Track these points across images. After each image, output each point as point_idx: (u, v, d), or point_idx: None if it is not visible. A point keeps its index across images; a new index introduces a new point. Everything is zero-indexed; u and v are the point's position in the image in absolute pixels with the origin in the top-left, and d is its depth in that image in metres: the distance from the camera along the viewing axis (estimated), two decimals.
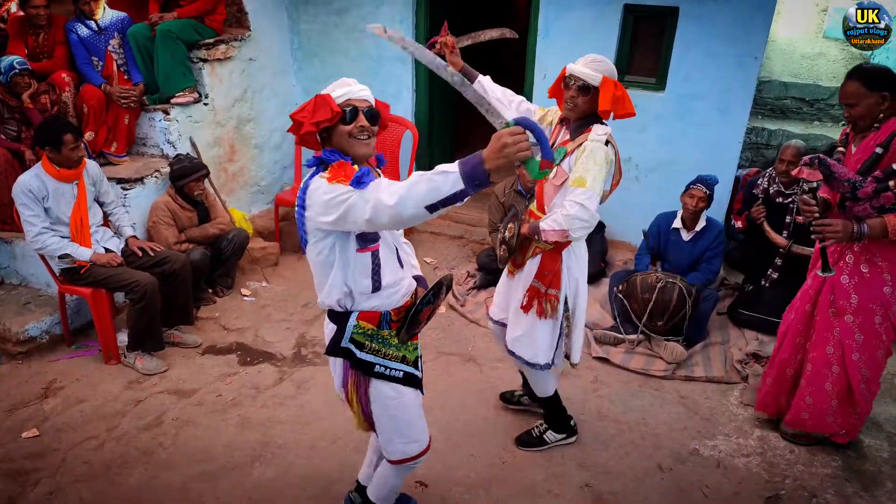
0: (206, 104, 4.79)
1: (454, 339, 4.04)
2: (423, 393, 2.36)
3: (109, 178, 4.01)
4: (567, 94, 2.58)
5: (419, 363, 2.34)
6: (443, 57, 2.48)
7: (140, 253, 3.77)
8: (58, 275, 3.69)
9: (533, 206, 2.82)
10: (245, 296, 4.54)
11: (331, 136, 2.01)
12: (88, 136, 4.33)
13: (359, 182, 1.79)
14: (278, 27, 5.39)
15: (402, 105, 5.39)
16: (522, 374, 3.22)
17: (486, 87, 2.78)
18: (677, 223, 4.17)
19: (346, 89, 2.02)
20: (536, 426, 3.19)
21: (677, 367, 3.75)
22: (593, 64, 2.56)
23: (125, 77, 4.53)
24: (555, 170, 2.59)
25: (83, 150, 3.56)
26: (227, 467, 3.00)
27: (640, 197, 4.83)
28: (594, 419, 3.36)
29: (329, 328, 2.18)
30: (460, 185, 1.59)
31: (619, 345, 3.93)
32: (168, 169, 4.40)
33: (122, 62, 4.53)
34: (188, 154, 4.59)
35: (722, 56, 4.39)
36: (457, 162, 1.61)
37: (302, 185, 1.95)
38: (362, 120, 2.01)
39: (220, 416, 3.33)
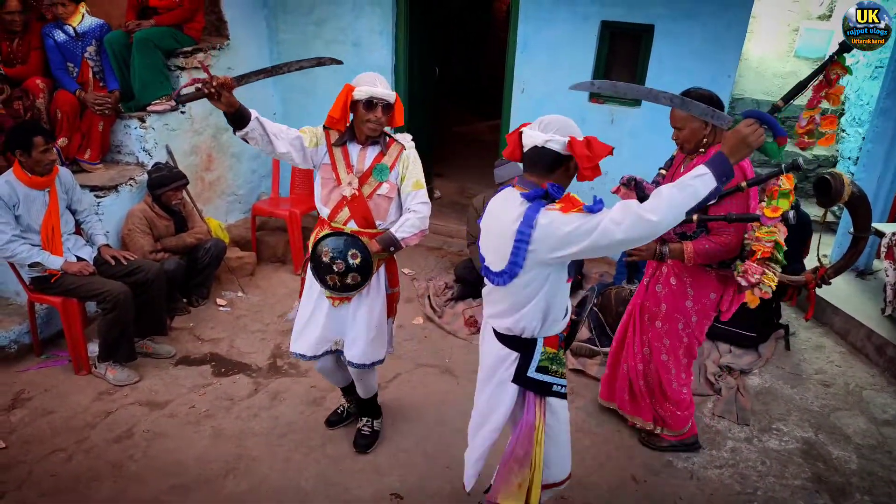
0: (183, 112, 4.76)
1: (431, 351, 4.04)
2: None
3: (83, 186, 3.96)
4: (372, 115, 2.64)
5: None
6: (213, 97, 2.40)
7: (113, 262, 3.72)
8: (28, 283, 3.63)
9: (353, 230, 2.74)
10: (220, 306, 4.49)
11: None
12: (62, 142, 4.27)
13: (592, 210, 1.90)
14: (257, 36, 5.38)
15: None
16: (346, 388, 3.27)
17: (263, 122, 2.61)
18: None
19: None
20: (365, 425, 3.23)
21: None
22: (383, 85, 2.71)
23: (100, 84, 4.48)
24: (385, 185, 2.72)
25: (55, 155, 3.50)
26: (199, 480, 2.95)
27: None
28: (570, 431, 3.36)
29: (499, 352, 2.22)
30: (713, 184, 1.82)
31: (594, 357, 3.96)
32: (144, 177, 4.36)
33: (98, 69, 4.48)
34: (167, 163, 4.55)
35: (696, 73, 4.48)
36: (702, 165, 1.86)
37: (523, 220, 1.96)
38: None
39: (192, 428, 3.28)
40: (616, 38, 4.69)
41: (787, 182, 2.39)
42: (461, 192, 6.39)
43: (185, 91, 2.52)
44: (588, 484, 3.01)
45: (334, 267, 2.62)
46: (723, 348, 4.14)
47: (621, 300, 3.89)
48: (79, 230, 3.83)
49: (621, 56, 4.76)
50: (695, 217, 2.65)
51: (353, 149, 2.74)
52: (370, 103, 2.61)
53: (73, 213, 3.79)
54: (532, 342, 2.17)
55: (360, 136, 2.71)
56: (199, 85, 2.44)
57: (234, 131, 2.57)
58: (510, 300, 2.11)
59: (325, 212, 2.78)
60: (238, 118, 2.52)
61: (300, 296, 2.96)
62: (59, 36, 4.34)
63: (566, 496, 2.94)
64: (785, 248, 2.52)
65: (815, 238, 4.17)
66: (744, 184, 2.60)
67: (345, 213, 2.73)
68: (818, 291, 3.20)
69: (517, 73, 4.92)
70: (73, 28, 4.35)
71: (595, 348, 3.96)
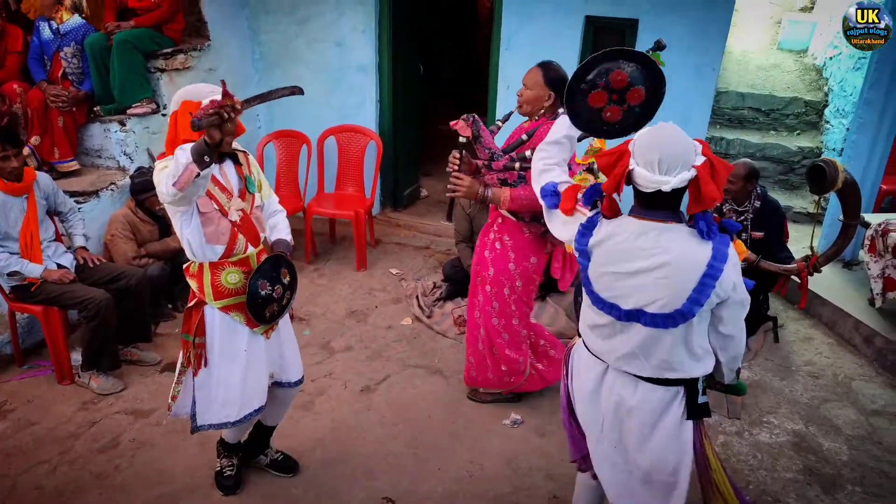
0: (164, 115, 4.69)
1: (420, 352, 4.01)
2: None
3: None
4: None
5: None
6: (227, 121, 1.99)
7: (82, 261, 3.66)
8: (7, 292, 3.55)
9: (253, 253, 2.50)
10: None
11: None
12: (34, 140, 4.22)
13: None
14: (238, 37, 5.32)
15: (366, 115, 5.35)
16: (257, 429, 2.94)
17: None
18: None
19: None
20: (273, 452, 3.01)
21: None
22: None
23: (72, 86, 4.41)
24: (257, 196, 2.52)
25: (18, 162, 3.38)
26: (186, 489, 2.91)
27: None
28: (561, 429, 3.32)
29: (655, 395, 1.98)
30: None
31: None
32: (125, 181, 4.29)
33: (73, 70, 4.41)
34: (150, 167, 4.48)
35: (681, 67, 4.47)
36: None
37: (715, 256, 1.80)
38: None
39: (179, 437, 3.23)
40: (600, 32, 4.67)
41: (599, 142, 2.54)
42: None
43: (206, 119, 2.00)
44: None
45: (274, 295, 2.46)
46: None
47: None
48: (59, 237, 3.76)
49: None
50: (517, 165, 2.86)
51: (214, 170, 2.37)
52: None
53: (58, 215, 3.72)
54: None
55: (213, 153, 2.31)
56: (216, 109, 2.03)
57: (202, 168, 2.01)
58: (670, 343, 1.90)
59: (217, 251, 2.38)
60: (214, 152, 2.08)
61: (199, 366, 2.47)
62: (45, 31, 4.32)
63: (559, 496, 2.92)
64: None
65: (809, 229, 4.16)
66: (524, 136, 2.82)
67: (241, 240, 2.43)
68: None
69: (502, 70, 4.90)
70: (57, 25, 4.32)
71: None
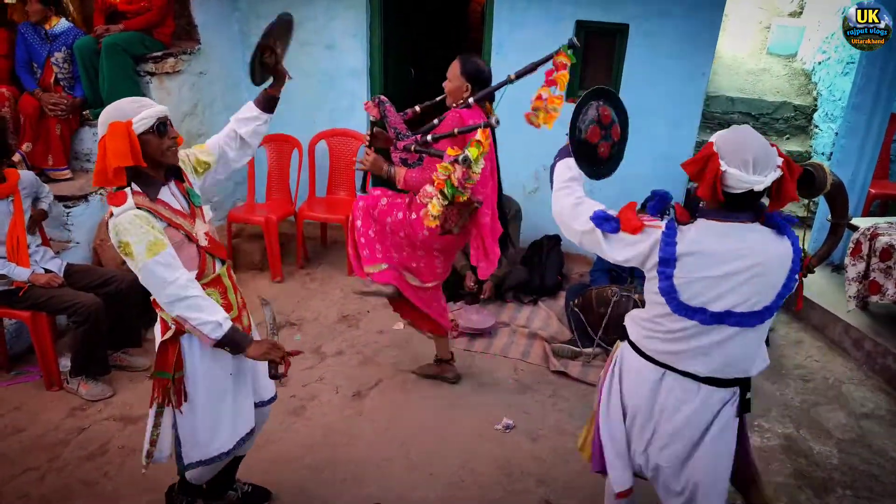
0: None
1: (411, 357, 3.99)
2: None
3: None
4: (168, 139, 2.14)
5: None
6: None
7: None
8: None
9: (223, 271, 2.35)
10: None
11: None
12: (26, 147, 4.18)
13: None
14: (229, 40, 5.30)
15: (357, 119, 5.34)
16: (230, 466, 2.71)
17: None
18: None
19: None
20: (240, 488, 2.82)
21: None
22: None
23: (64, 92, 4.38)
24: (206, 208, 2.33)
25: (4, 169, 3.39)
26: None
27: None
28: (553, 434, 3.35)
29: (715, 397, 2.03)
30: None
31: (576, 358, 3.95)
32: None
33: (64, 76, 4.38)
34: None
35: (671, 71, 4.50)
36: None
37: (794, 250, 1.92)
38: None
39: None
40: (591, 37, 4.68)
41: (482, 135, 2.62)
42: None
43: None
44: (573, 487, 2.99)
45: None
46: None
47: (602, 301, 3.88)
48: (46, 241, 3.72)
49: (597, 55, 4.76)
50: (413, 147, 2.96)
51: (165, 193, 2.17)
52: (163, 126, 2.10)
53: (36, 201, 3.65)
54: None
55: (159, 172, 2.16)
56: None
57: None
58: (753, 339, 1.97)
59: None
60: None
61: (180, 401, 2.26)
62: (31, 34, 4.28)
63: (551, 500, 2.92)
64: (457, 186, 2.71)
65: (799, 233, 4.17)
66: (455, 130, 2.83)
67: (210, 260, 2.26)
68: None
69: (493, 75, 4.89)
70: (45, 30, 4.28)
71: (577, 349, 3.95)
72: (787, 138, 6.25)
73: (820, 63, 6.32)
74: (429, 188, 2.81)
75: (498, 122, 2.70)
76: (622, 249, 2.01)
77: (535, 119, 2.65)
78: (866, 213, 4.84)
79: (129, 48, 4.40)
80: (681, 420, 2.06)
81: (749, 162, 1.81)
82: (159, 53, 4.63)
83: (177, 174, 2.24)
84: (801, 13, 7.26)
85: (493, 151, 3.19)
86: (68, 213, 4.02)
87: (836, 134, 5.36)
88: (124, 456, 3.11)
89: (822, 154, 5.87)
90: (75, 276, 3.62)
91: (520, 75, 2.80)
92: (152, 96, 4.61)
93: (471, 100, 2.97)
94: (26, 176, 3.59)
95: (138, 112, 2.05)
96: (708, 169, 1.84)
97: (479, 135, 2.63)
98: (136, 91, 4.50)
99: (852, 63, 5.44)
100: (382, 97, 3.10)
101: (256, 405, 2.52)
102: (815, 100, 6.26)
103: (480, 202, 3.03)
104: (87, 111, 4.47)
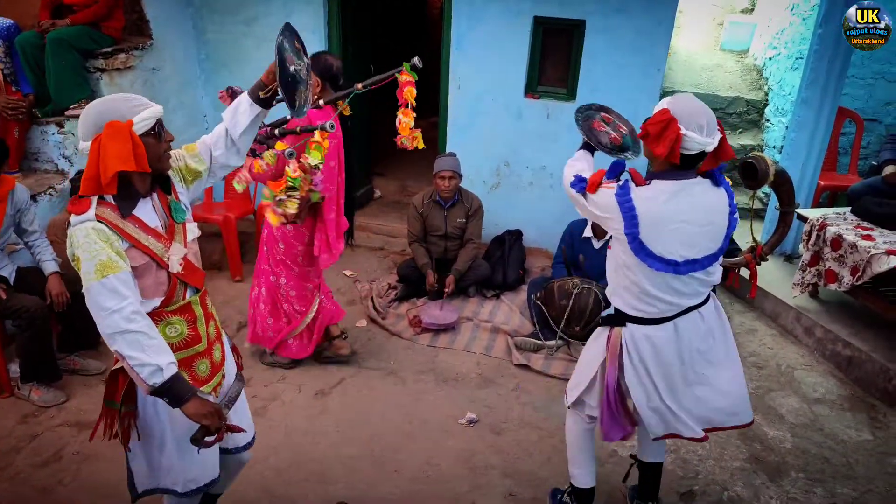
0: None
1: (375, 353, 3.98)
2: None
3: None
4: (165, 143, 1.95)
5: None
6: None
7: (48, 301, 3.38)
8: None
9: (196, 299, 2.05)
10: None
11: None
12: None
13: None
14: (183, 36, 5.18)
15: None
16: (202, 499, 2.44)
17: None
18: (588, 232, 4.27)
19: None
20: None
21: None
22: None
23: (13, 89, 4.23)
24: (188, 223, 2.03)
25: None
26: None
27: (555, 204, 4.93)
28: (517, 427, 3.38)
29: (720, 311, 2.44)
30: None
31: (539, 351, 3.98)
32: (64, 185, 4.14)
33: (10, 72, 4.23)
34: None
35: (627, 67, 4.56)
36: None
37: (730, 197, 2.24)
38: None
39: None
40: (549, 33, 4.72)
41: (320, 137, 2.75)
42: (402, 191, 6.34)
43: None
44: (537, 479, 3.02)
45: (300, 75, 2.17)
46: None
47: (564, 293, 3.92)
48: None
49: (554, 51, 4.80)
50: (276, 131, 2.96)
51: (143, 207, 1.90)
52: (161, 127, 1.90)
53: (22, 233, 3.49)
54: None
55: (145, 181, 1.90)
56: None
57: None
58: (717, 267, 2.29)
59: (153, 304, 1.91)
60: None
61: (127, 439, 2.01)
62: None
63: (515, 493, 2.94)
64: (296, 177, 2.85)
65: (747, 223, 4.28)
66: (298, 128, 2.91)
67: (181, 288, 1.98)
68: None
69: (453, 70, 4.90)
70: None
71: (539, 342, 3.99)
72: (740, 132, 6.40)
73: (770, 58, 6.48)
74: (269, 183, 2.96)
75: (332, 126, 2.70)
76: (591, 206, 2.25)
77: (407, 143, 2.85)
78: (815, 204, 4.99)
79: (75, 43, 4.26)
80: (707, 345, 2.35)
81: (704, 126, 2.04)
82: (109, 49, 4.50)
83: (163, 183, 1.96)
84: (752, 10, 7.43)
85: (343, 151, 3.40)
86: None
87: (787, 128, 5.52)
88: (79, 462, 3.03)
89: (774, 147, 6.03)
90: (27, 279, 3.50)
91: (366, 86, 2.94)
92: (103, 93, 4.48)
93: (321, 102, 3.12)
94: (21, 192, 3.44)
95: (136, 111, 1.81)
96: (669, 131, 2.03)
97: (316, 135, 2.77)
98: (85, 88, 4.38)
99: (801, 58, 5.60)
100: (236, 87, 3.13)
101: (231, 451, 2.28)
102: (766, 95, 6.42)
103: (323, 197, 3.27)
104: (36, 109, 4.32)
